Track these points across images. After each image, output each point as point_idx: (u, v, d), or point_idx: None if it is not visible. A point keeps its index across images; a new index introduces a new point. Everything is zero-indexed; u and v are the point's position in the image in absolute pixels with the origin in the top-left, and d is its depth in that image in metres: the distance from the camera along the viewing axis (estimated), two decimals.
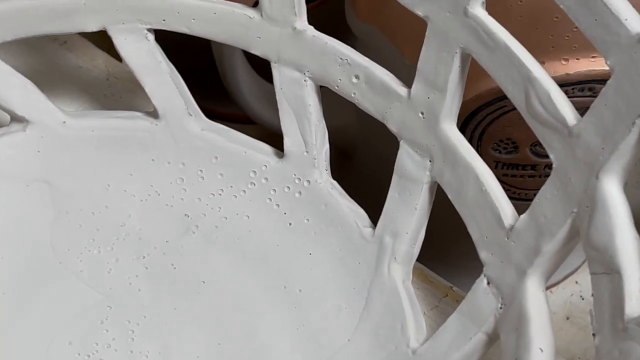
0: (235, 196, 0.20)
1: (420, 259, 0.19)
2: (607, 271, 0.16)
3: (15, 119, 0.20)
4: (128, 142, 0.20)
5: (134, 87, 0.21)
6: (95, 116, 0.20)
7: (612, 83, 0.15)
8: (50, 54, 0.22)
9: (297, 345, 0.18)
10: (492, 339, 0.17)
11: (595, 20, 0.15)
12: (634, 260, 0.15)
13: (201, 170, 0.20)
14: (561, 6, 0.16)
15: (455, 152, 0.18)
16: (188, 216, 0.19)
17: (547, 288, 0.17)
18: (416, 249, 0.19)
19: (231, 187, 0.20)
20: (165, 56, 0.20)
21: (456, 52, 0.17)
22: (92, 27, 0.20)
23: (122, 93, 0.22)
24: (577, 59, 0.19)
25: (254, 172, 0.20)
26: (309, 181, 0.19)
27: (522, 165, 0.21)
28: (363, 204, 0.19)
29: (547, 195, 0.17)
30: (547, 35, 0.19)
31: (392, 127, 0.19)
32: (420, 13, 0.18)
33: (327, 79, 0.19)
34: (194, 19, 0.19)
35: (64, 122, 0.20)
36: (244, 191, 0.20)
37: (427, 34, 0.18)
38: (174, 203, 0.20)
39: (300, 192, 0.19)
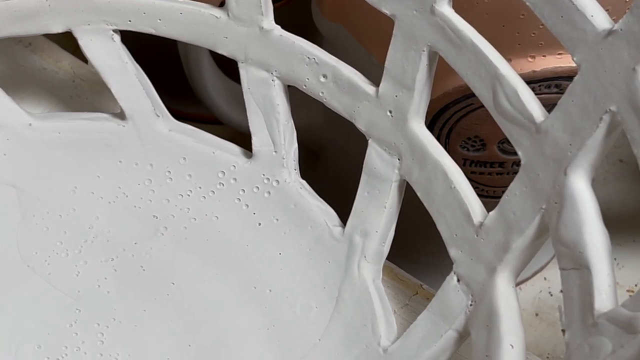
0: (204, 197, 0.19)
1: (390, 257, 0.19)
2: (576, 266, 0.16)
3: None
4: (95, 143, 0.19)
5: (100, 88, 0.20)
6: (61, 118, 0.20)
7: (578, 79, 0.15)
8: (15, 56, 0.22)
9: (269, 346, 0.18)
10: (463, 336, 0.17)
11: (562, 17, 0.15)
12: (603, 256, 0.15)
13: (169, 172, 0.19)
14: (527, 3, 0.16)
15: (424, 150, 0.18)
16: (157, 217, 0.19)
17: (517, 285, 0.17)
18: (386, 247, 0.18)
19: (200, 187, 0.19)
20: (131, 57, 0.19)
21: (423, 51, 0.17)
22: (57, 28, 0.19)
23: (88, 95, 0.21)
24: (543, 55, 0.19)
25: (223, 172, 0.19)
26: (277, 181, 0.19)
27: (490, 163, 0.21)
28: (332, 204, 0.19)
29: (515, 192, 0.17)
30: (513, 32, 0.19)
31: (361, 126, 0.18)
32: (387, 11, 0.17)
33: (295, 78, 0.18)
34: (160, 20, 0.19)
35: (30, 125, 0.19)
36: (213, 192, 0.19)
37: (394, 32, 0.18)
38: (142, 205, 0.19)
39: (269, 192, 0.19)
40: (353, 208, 0.19)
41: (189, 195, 0.20)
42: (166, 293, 0.18)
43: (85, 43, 0.19)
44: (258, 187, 0.19)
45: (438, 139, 0.19)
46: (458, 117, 0.19)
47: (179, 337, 0.18)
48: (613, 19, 0.15)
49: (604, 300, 0.15)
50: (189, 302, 0.19)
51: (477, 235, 0.17)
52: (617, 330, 0.15)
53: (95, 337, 0.18)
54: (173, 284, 0.19)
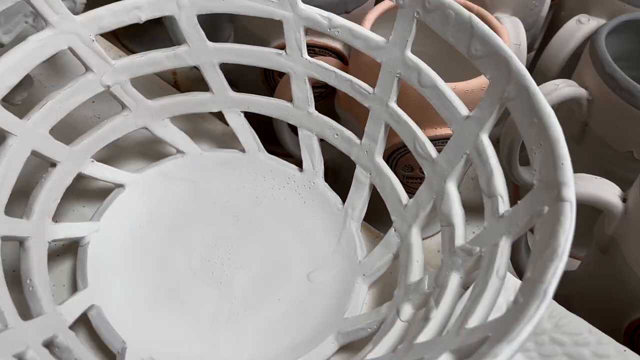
0: (280, 188, 0.33)
1: (365, 219, 0.31)
2: (448, 225, 0.27)
3: (179, 151, 0.32)
4: (231, 163, 0.33)
5: (231, 137, 0.34)
6: (215, 151, 0.33)
7: (452, 139, 0.27)
8: (194, 121, 0.35)
9: (305, 255, 0.30)
10: (395, 257, 0.29)
11: (447, 109, 0.27)
12: (460, 221, 0.26)
13: (264, 177, 0.33)
14: (431, 102, 0.28)
15: (382, 171, 0.31)
16: (257, 198, 0.33)
17: (425, 238, 0.28)
18: (362, 214, 0.31)
19: (278, 184, 0.33)
20: (248, 123, 0.34)
21: (382, 124, 0.30)
22: (215, 109, 0.33)
23: (227, 139, 0.35)
24: (439, 127, 0.31)
25: (289, 177, 0.33)
26: (314, 183, 0.33)
27: (415, 177, 0.33)
28: (339, 194, 0.32)
29: (422, 190, 0.29)
30: (427, 114, 0.29)
31: (353, 158, 0.32)
32: (366, 105, 0.30)
33: (324, 135, 0.33)
34: (262, 106, 0.33)
35: (201, 154, 0.32)
36: (284, 186, 0.33)
37: (369, 115, 0.31)
38: (251, 191, 0.33)
39: (310, 187, 0.33)
40: (348, 196, 0.32)
41: (272, 187, 0.33)
42: (260, 232, 0.31)
43: (228, 116, 0.33)
44: (304, 185, 0.33)
45: (389, 165, 0.32)
46: (400, 155, 0.32)
47: (264, 249, 0.30)
48: (470, 108, 0.26)
49: (459, 241, 0.26)
50: (270, 236, 0.31)
51: (404, 210, 0.30)
52: (463, 254, 0.25)
53: (228, 253, 0.30)
54: (263, 228, 0.32)
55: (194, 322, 0.27)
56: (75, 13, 0.28)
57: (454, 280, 0.24)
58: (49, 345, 0.24)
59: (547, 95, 0.33)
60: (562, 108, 0.36)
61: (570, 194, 0.21)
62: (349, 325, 0.27)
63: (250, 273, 0.29)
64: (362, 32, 0.29)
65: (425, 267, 0.28)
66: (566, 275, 0.20)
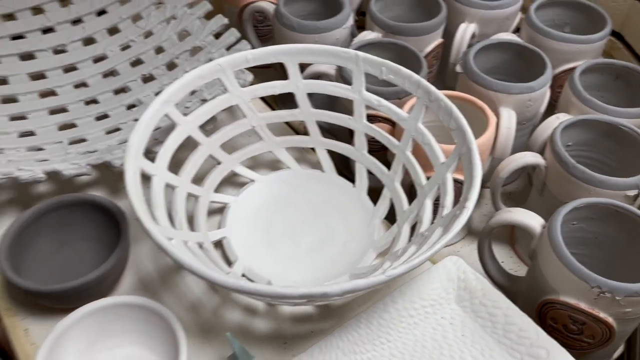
0: (340, 195, 0.55)
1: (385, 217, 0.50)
2: (420, 222, 0.45)
3: (288, 167, 0.55)
4: (315, 177, 0.56)
5: (319, 164, 0.54)
6: (309, 170, 0.55)
7: (434, 175, 0.47)
8: (299, 151, 0.56)
9: (345, 232, 0.52)
10: (394, 239, 0.48)
11: (433, 157, 0.47)
12: (427, 219, 0.43)
13: (332, 187, 0.57)
14: (427, 153, 0.48)
15: (397, 191, 0.52)
16: (325, 198, 0.55)
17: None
18: (383, 214, 0.53)
19: (339, 192, 0.56)
20: (329, 156, 0.54)
21: (401, 164, 0.52)
22: (311, 145, 0.54)
23: (316, 164, 0.55)
24: (429, 171, 0.49)
25: (346, 189, 0.56)
26: (359, 194, 0.55)
27: (411, 188, 0.50)
28: (371, 201, 0.53)
29: (414, 203, 0.50)
30: (425, 160, 0.49)
31: (383, 182, 0.52)
32: (394, 152, 0.51)
33: (369, 167, 0.54)
34: (338, 148, 0.53)
35: (300, 170, 0.55)
36: (342, 194, 0.56)
37: (395, 158, 0.52)
38: (324, 194, 0.55)
39: (357, 196, 0.55)
40: (377, 203, 0.54)
41: (336, 193, 0.55)
42: (323, 216, 0.53)
43: (318, 150, 0.55)
44: (354, 195, 0.55)
45: (404, 189, 0.50)
46: (409, 186, 0.50)
47: (323, 227, 0.52)
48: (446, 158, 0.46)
49: (424, 227, 0.47)
50: (328, 220, 0.53)
51: (403, 213, 0.49)
52: (421, 236, 0.45)
53: (302, 223, 0.52)
54: (325, 215, 0.54)
55: (278, 258, 0.50)
56: (243, 87, 0.53)
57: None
58: (201, 246, 0.48)
59: (518, 159, 0.51)
60: (530, 169, 0.54)
61: (469, 205, 0.40)
62: (358, 270, 0.48)
63: (312, 237, 0.51)
64: (395, 109, 0.51)
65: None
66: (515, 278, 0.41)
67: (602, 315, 0.41)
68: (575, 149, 0.53)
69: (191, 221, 0.50)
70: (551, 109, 0.60)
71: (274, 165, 0.58)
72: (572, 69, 0.58)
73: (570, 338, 0.44)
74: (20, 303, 0.46)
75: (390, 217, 0.52)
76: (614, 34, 0.73)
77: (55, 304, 0.44)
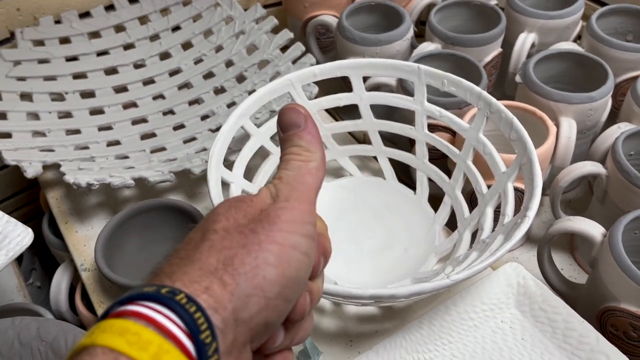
0: (401, 201, 0.57)
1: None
2: (481, 229, 0.46)
3: (351, 174, 0.56)
4: (377, 184, 0.58)
5: (381, 171, 0.56)
6: (370, 177, 0.56)
7: (494, 184, 0.48)
8: (362, 159, 0.58)
9: (406, 238, 0.54)
10: (455, 246, 0.49)
11: (494, 166, 0.48)
12: (488, 227, 0.46)
13: (393, 194, 0.58)
14: (488, 163, 0.49)
15: (458, 199, 0.54)
16: (387, 204, 0.57)
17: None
18: (444, 221, 0.55)
19: (400, 199, 0.57)
20: (390, 164, 0.55)
21: (462, 172, 0.53)
22: (373, 154, 0.56)
23: (378, 172, 0.57)
24: (489, 179, 0.50)
25: (408, 196, 0.58)
26: (420, 201, 0.57)
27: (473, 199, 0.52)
28: (433, 208, 0.53)
29: (475, 211, 0.52)
30: (486, 170, 0.51)
31: (444, 190, 0.53)
32: (455, 161, 0.53)
33: (430, 175, 0.56)
34: (400, 156, 0.55)
35: (362, 177, 0.56)
36: (404, 200, 0.57)
37: (456, 167, 0.54)
38: (385, 200, 0.56)
39: (418, 203, 0.57)
40: (438, 210, 0.55)
41: (397, 200, 0.57)
42: (384, 222, 0.55)
43: (379, 159, 0.56)
44: (415, 201, 0.57)
45: (466, 200, 0.51)
46: (472, 196, 0.51)
47: (384, 232, 0.54)
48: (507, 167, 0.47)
49: (485, 235, 0.47)
50: (389, 225, 0.55)
51: (464, 220, 0.50)
52: (482, 243, 0.46)
53: (364, 228, 0.54)
54: (387, 220, 0.55)
55: (342, 261, 0.52)
56: (310, 99, 0.55)
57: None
58: None
59: (578, 168, 0.52)
60: (591, 178, 0.54)
61: (530, 214, 0.41)
62: (419, 274, 0.50)
63: (374, 242, 0.53)
64: (456, 120, 0.52)
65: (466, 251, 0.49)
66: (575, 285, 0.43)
67: None
68: (637, 159, 0.53)
69: None
70: (613, 118, 0.60)
71: (338, 172, 0.60)
72: (635, 78, 0.58)
73: (631, 345, 0.44)
74: (111, 297, 0.50)
75: (450, 224, 0.53)
76: None
77: None
